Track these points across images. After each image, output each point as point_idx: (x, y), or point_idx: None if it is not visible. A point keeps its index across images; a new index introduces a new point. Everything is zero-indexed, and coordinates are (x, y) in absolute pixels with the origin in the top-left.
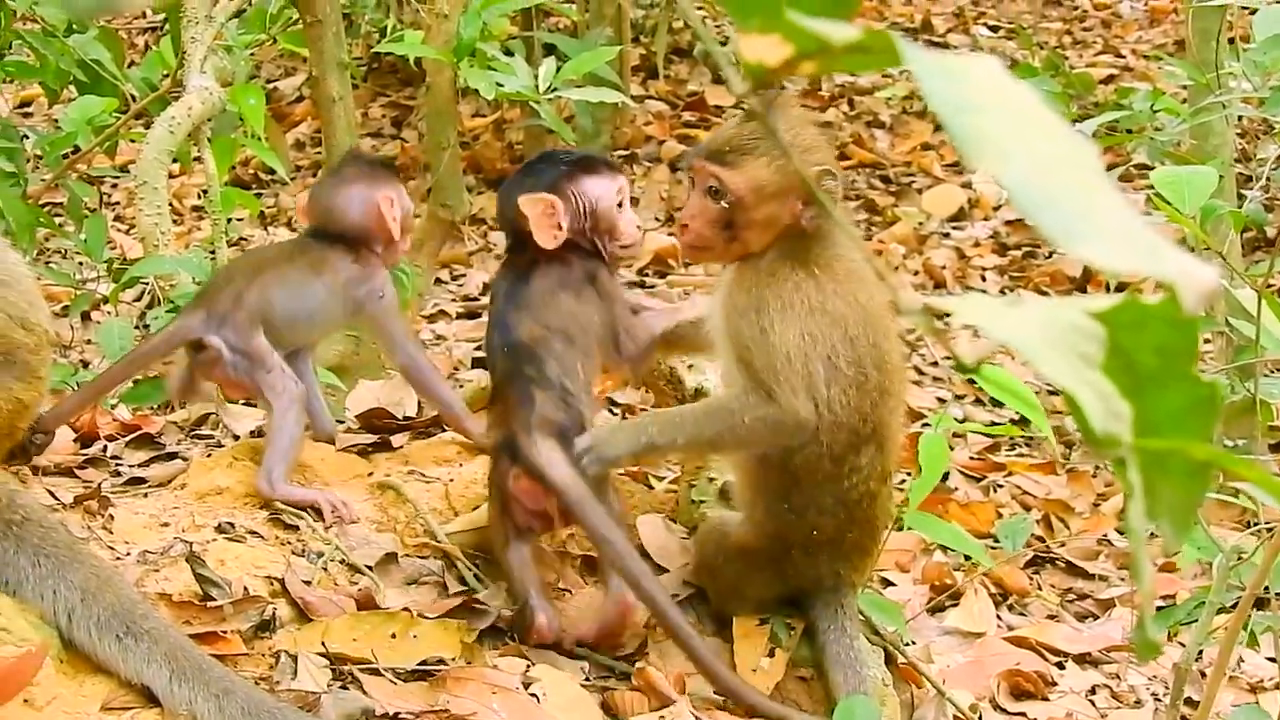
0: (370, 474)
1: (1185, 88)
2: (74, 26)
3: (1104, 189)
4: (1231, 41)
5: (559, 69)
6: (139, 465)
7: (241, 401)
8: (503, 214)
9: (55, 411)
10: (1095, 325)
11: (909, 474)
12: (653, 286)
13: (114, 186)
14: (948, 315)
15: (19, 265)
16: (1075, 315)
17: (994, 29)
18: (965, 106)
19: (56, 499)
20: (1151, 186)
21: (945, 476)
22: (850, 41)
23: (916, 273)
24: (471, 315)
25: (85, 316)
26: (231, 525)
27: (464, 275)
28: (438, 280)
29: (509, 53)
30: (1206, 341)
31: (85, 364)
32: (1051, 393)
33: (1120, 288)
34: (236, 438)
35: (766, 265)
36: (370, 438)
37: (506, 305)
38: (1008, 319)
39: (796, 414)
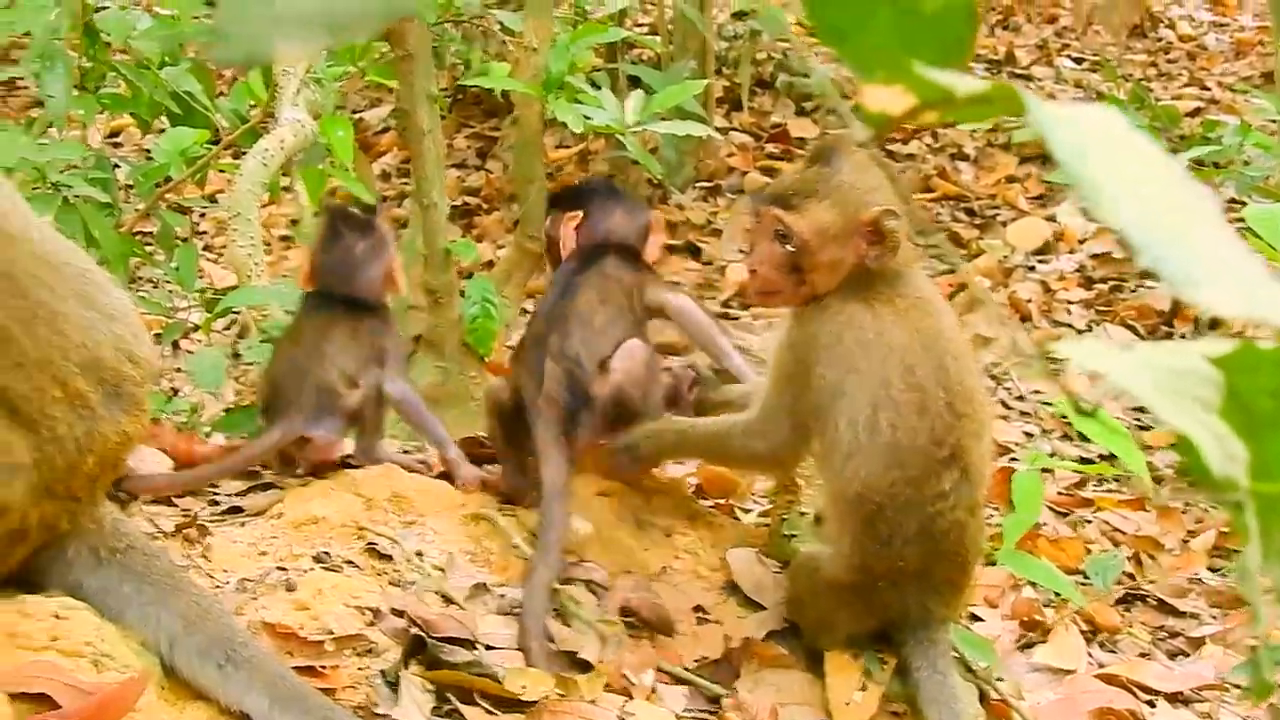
0: (464, 505)
1: (1274, 121)
2: (166, 59)
3: (1221, 234)
4: None
5: (646, 102)
6: (237, 494)
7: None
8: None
9: (145, 484)
10: (1211, 370)
11: (996, 509)
12: (736, 318)
13: (203, 216)
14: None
15: (125, 300)
16: (1192, 360)
17: (1078, 61)
18: (1087, 155)
19: (157, 527)
20: (1242, 221)
21: None
22: (974, 93)
23: (1002, 306)
24: None
25: (176, 345)
26: (328, 554)
27: None
28: (523, 310)
29: (594, 85)
30: None
31: (175, 391)
32: (1140, 428)
33: (1213, 325)
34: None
35: (825, 302)
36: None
37: (565, 279)
38: (1124, 363)
39: (783, 453)
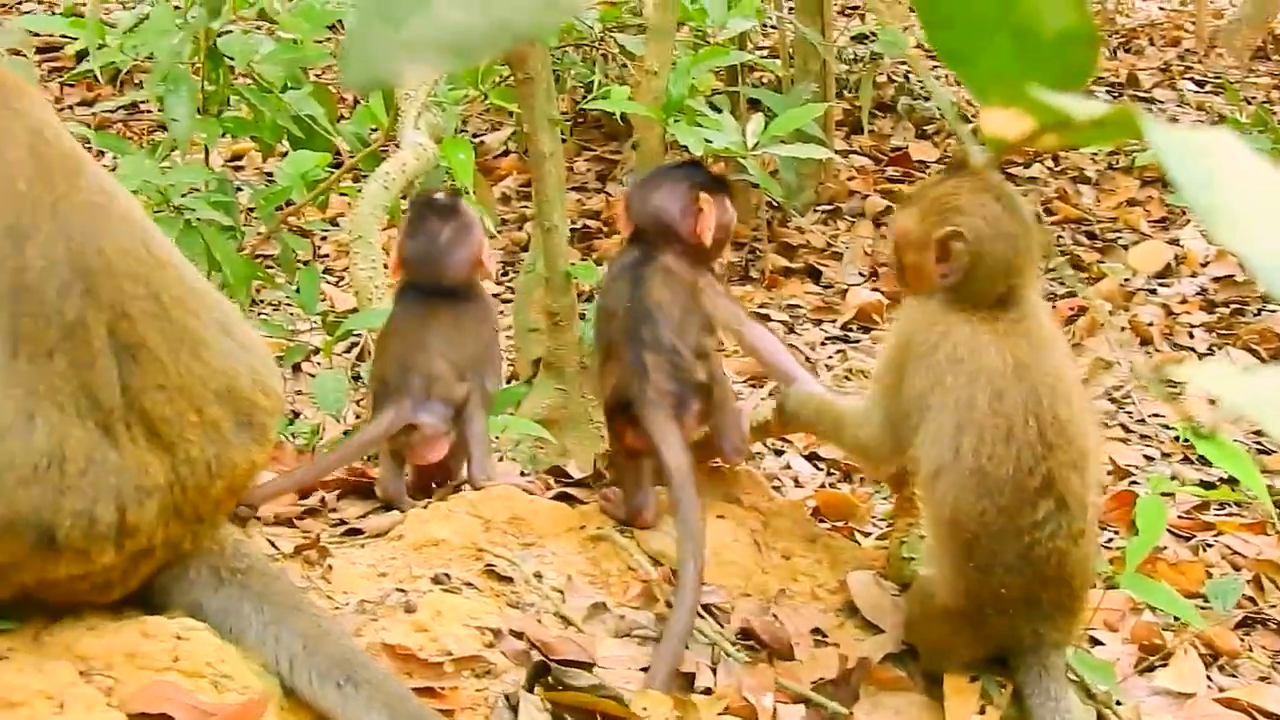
0: (583, 527)
1: None
2: (289, 82)
3: None
4: None
5: (766, 125)
6: (357, 517)
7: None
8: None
9: (262, 491)
10: None
11: (1116, 532)
12: (856, 341)
13: (324, 239)
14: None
15: (255, 332)
16: None
17: (1200, 84)
18: (1207, 183)
19: (276, 549)
20: None
21: None
22: (1093, 117)
23: (1123, 329)
24: None
25: (297, 368)
26: (447, 576)
27: None
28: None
29: (714, 108)
30: None
31: (296, 414)
32: (1261, 452)
33: None
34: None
35: (929, 307)
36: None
37: (630, 272)
38: (1245, 387)
39: (882, 449)
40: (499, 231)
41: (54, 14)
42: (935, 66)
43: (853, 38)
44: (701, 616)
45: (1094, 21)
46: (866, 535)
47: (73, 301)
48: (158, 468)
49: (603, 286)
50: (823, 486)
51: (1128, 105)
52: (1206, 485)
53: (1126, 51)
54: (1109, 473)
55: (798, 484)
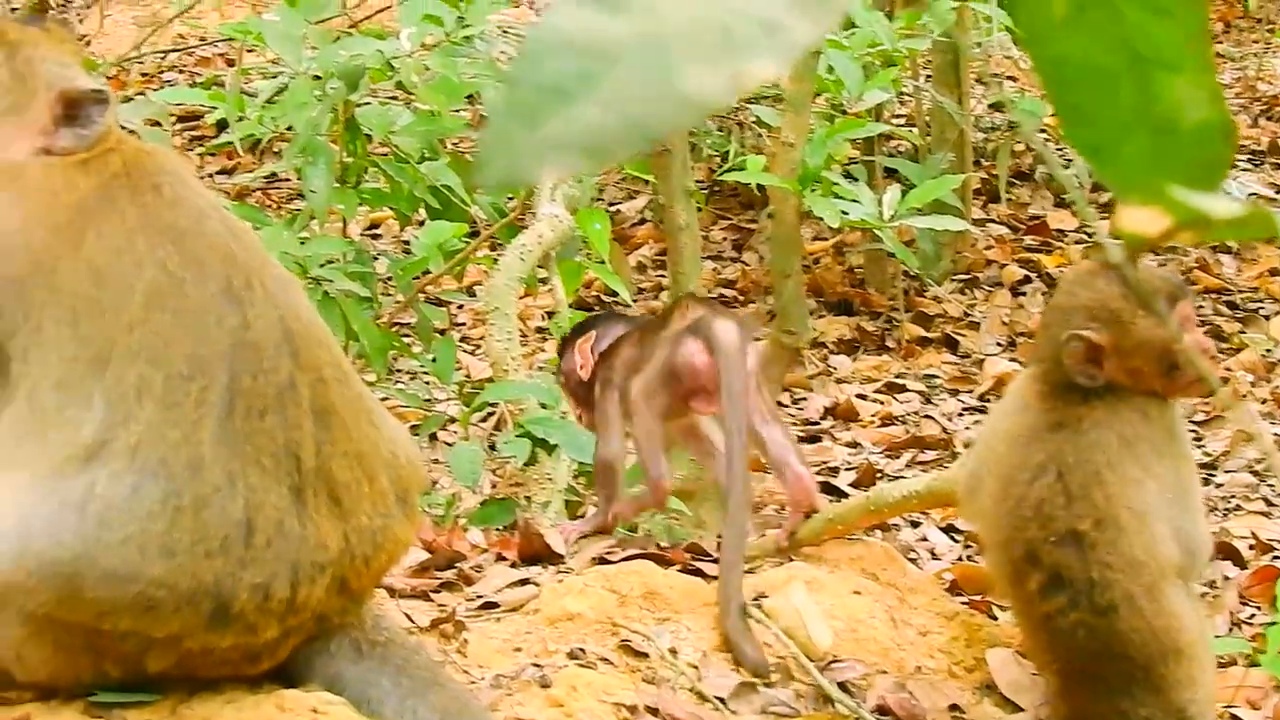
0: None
1: None
2: (426, 153)
3: None
4: None
5: (903, 195)
6: (494, 590)
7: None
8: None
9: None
10: None
11: (1258, 608)
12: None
13: (461, 309)
14: None
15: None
16: None
17: None
18: None
19: (413, 622)
20: None
21: None
22: (1231, 217)
23: (1264, 401)
24: (812, 439)
25: (433, 437)
26: (583, 651)
27: (805, 399)
28: (779, 404)
29: (850, 177)
30: None
31: (433, 484)
32: None
33: None
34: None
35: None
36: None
37: None
38: None
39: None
40: (634, 300)
41: (195, 84)
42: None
43: (990, 106)
44: (840, 692)
45: (1230, 115)
46: (1004, 609)
47: (284, 362)
48: (333, 538)
49: None
50: (960, 559)
51: (1265, 208)
52: None
53: (1268, 119)
54: (1250, 547)
55: (934, 556)
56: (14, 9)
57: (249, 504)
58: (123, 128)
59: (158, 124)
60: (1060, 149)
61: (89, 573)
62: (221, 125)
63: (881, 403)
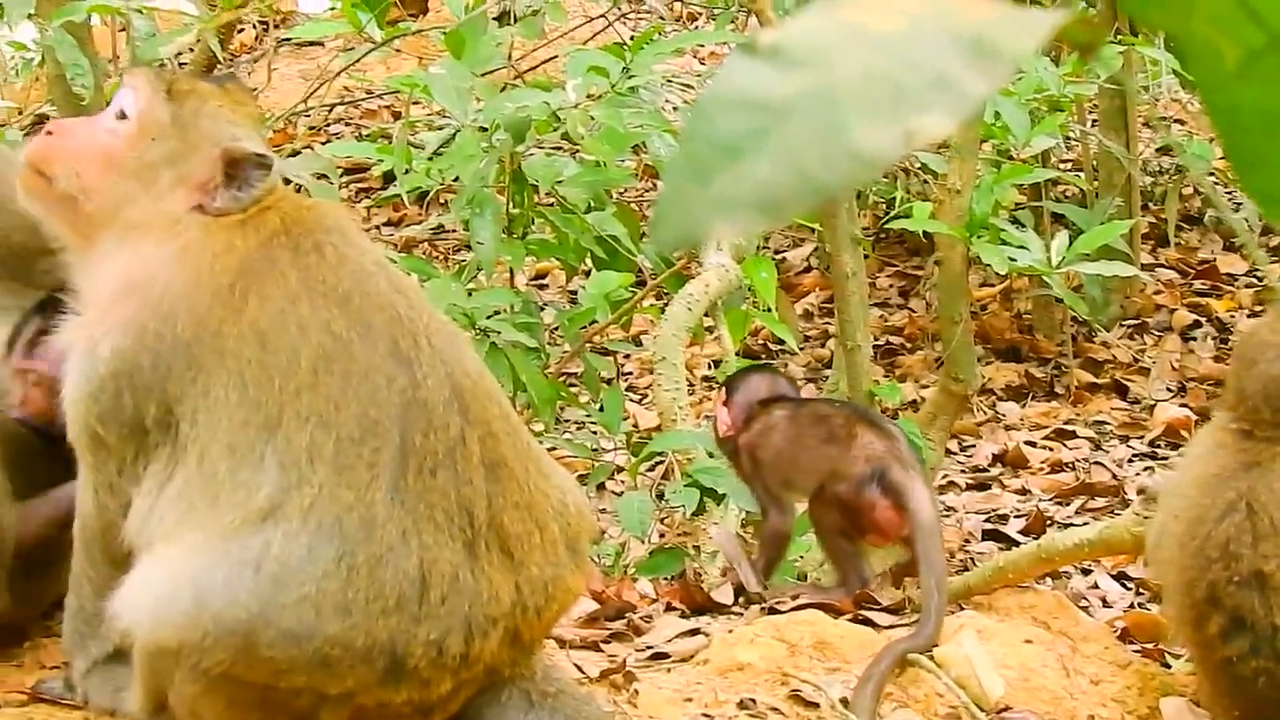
0: None
1: None
2: (592, 203)
3: None
4: None
5: (1071, 241)
6: (665, 640)
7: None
8: None
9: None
10: None
11: None
12: (1165, 459)
13: (627, 358)
14: None
15: None
16: None
17: None
18: None
19: (583, 673)
20: None
21: None
22: None
23: None
24: (981, 486)
25: (601, 487)
26: (753, 701)
27: (973, 446)
28: (947, 451)
29: (1017, 223)
30: None
31: (603, 532)
32: None
33: None
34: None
35: None
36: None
37: None
38: None
39: None
40: (801, 348)
41: (361, 137)
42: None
43: (1158, 149)
44: None
45: None
46: (1178, 658)
47: (454, 418)
48: (505, 590)
49: None
50: (1131, 607)
51: None
52: None
53: None
54: None
55: (1106, 604)
56: (182, 64)
57: (423, 561)
58: (286, 180)
59: (325, 177)
60: (1230, 192)
61: (265, 632)
62: (388, 177)
63: (1051, 449)
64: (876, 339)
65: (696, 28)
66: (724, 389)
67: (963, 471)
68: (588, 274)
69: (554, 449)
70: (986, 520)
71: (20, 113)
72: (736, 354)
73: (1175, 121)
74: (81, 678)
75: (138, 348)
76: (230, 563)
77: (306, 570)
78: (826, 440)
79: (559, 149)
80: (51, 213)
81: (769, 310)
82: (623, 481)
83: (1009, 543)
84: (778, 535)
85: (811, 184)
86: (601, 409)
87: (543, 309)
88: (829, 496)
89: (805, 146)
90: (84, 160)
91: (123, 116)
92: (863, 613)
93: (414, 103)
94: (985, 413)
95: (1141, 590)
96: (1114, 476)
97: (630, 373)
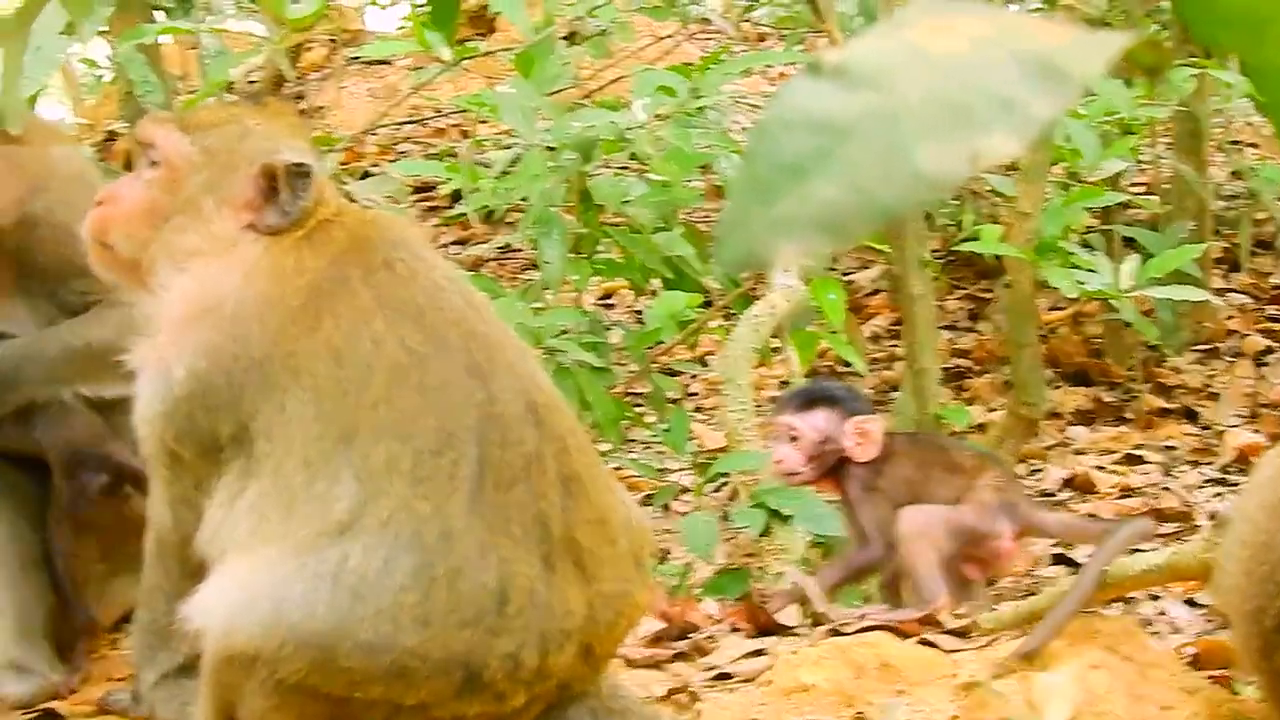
0: (954, 675)
1: None
2: (660, 223)
3: None
4: None
5: (1142, 265)
6: (729, 661)
7: None
8: None
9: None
10: None
11: None
12: (1235, 485)
13: (694, 378)
14: None
15: None
16: None
17: None
18: None
19: (648, 692)
20: None
21: None
22: None
23: None
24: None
25: (666, 507)
26: None
27: (1041, 470)
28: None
29: (1088, 246)
30: None
31: (666, 554)
32: None
33: None
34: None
35: None
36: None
37: None
38: None
39: None
40: (870, 370)
41: (429, 156)
42: None
43: (1230, 173)
44: None
45: None
46: (1249, 684)
47: (529, 433)
48: (579, 604)
49: None
50: (1201, 633)
51: None
52: None
53: None
54: None
55: (1175, 630)
56: (251, 82)
57: (501, 574)
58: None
59: (396, 201)
60: None
61: (343, 644)
62: (456, 196)
63: (1120, 474)
64: (944, 362)
65: (765, 48)
66: (847, 405)
67: (1031, 495)
68: (654, 294)
69: (620, 469)
70: (1054, 544)
71: (92, 128)
72: (804, 376)
73: (1248, 145)
74: (149, 690)
75: (213, 369)
76: (308, 575)
77: (385, 583)
78: (950, 470)
79: (626, 169)
80: (124, 277)
81: (836, 332)
82: (688, 502)
83: (1076, 567)
84: (865, 566)
85: (875, 205)
86: (668, 429)
87: (609, 329)
88: (955, 529)
89: (868, 167)
90: (134, 220)
91: (154, 165)
92: (927, 635)
93: (481, 122)
94: (1054, 437)
95: (1211, 617)
96: (1184, 502)
97: (696, 393)
